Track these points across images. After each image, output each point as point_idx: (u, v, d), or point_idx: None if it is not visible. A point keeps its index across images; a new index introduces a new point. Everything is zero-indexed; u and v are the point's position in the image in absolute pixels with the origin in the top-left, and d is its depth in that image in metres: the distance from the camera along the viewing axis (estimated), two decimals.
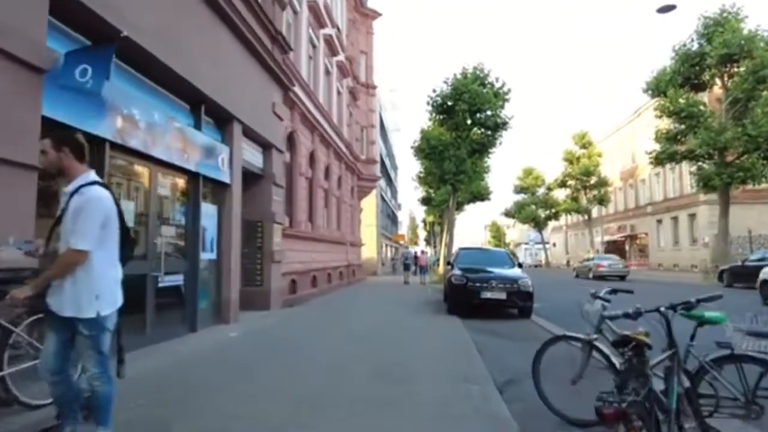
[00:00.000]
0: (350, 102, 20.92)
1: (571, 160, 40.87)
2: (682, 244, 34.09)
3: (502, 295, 9.96)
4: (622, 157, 45.49)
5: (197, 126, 7.18)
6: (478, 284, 10.05)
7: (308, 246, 13.30)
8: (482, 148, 23.37)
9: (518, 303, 10.08)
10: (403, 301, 13.25)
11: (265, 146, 10.00)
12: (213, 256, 7.73)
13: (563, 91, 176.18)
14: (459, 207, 32.76)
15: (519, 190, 54.22)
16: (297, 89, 12.25)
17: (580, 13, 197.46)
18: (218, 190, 7.98)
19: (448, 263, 12.28)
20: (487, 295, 9.93)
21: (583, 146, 41.10)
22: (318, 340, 6.86)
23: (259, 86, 9.46)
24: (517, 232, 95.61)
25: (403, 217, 71.74)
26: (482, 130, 23.19)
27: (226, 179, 7.94)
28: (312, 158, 14.39)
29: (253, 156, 9.51)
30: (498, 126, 22.44)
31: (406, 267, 24.56)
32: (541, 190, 53.28)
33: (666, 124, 23.74)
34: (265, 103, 9.80)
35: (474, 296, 9.97)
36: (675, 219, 35.33)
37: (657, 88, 23.44)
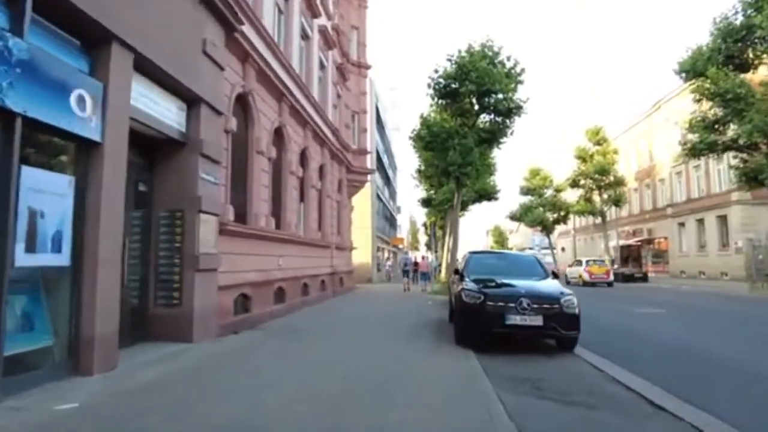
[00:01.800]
0: (338, 80, 17.81)
1: (584, 157, 37.52)
2: (710, 248, 30.83)
3: (538, 321, 6.78)
4: (638, 155, 42.33)
5: (16, 30, 4.02)
6: (501, 304, 6.87)
7: (271, 248, 10.13)
8: (491, 138, 20.20)
9: (560, 332, 6.90)
10: (396, 320, 10.06)
11: (191, 101, 6.86)
12: (60, 260, 4.55)
13: (562, 89, 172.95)
14: (464, 207, 29.60)
15: (525, 191, 50.90)
16: (254, 38, 9.13)
17: (579, 11, 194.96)
18: (78, 150, 4.82)
19: (456, 272, 9.08)
20: (516, 320, 6.75)
21: (597, 143, 37.77)
22: (219, 418, 3.66)
23: (177, 8, 6.34)
24: (520, 236, 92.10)
25: (402, 220, 68.60)
26: (492, 116, 20.07)
27: (91, 134, 4.77)
28: (279, 135, 11.23)
29: (163, 110, 6.35)
30: (511, 111, 19.29)
31: (406, 273, 22.94)
32: (548, 192, 50.00)
33: (703, 109, 20.59)
34: (190, 36, 6.67)
35: (496, 322, 6.80)
36: (700, 221, 32.07)
37: (693, 68, 20.25)
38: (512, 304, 6.83)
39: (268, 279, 9.80)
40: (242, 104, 9.19)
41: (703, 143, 19.85)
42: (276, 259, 10.44)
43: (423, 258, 27.48)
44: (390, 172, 44.66)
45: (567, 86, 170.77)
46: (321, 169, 15.22)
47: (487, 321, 6.87)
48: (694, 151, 20.49)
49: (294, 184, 12.09)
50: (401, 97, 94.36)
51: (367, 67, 20.75)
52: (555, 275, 8.66)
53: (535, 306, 6.83)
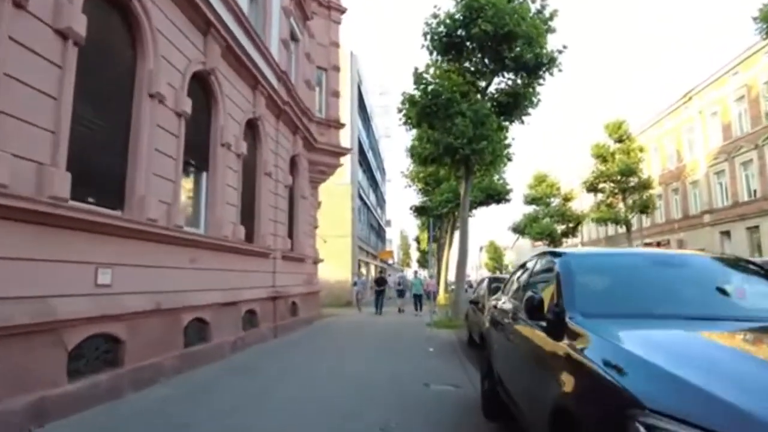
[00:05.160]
0: (293, 11, 12.10)
1: (604, 155, 31.91)
2: None
3: None
4: (661, 156, 36.98)
5: None
6: None
7: (69, 249, 4.26)
8: (512, 104, 14.55)
9: None
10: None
11: None
12: None
13: (564, 88, 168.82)
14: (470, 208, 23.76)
15: (530, 200, 45.31)
16: None
17: (577, 14, 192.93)
18: None
19: (535, 309, 2.98)
20: None
21: (619, 139, 32.21)
22: None
23: None
24: (514, 253, 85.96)
25: (393, 235, 62.78)
26: (511, 75, 14.47)
27: None
28: (134, 28, 5.44)
29: None
30: (540, 65, 13.71)
31: (400, 294, 20.86)
32: (555, 201, 44.51)
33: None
34: None
35: None
36: (754, 229, 26.50)
37: None
38: None
39: (51, 320, 3.89)
40: None
41: None
42: (89, 273, 4.55)
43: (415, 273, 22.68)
44: (378, 175, 38.90)
45: (571, 85, 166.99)
46: (251, 124, 9.36)
47: None
48: None
49: (171, 128, 6.24)
50: (393, 102, 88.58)
51: (341, 10, 15.05)
52: None
53: None
